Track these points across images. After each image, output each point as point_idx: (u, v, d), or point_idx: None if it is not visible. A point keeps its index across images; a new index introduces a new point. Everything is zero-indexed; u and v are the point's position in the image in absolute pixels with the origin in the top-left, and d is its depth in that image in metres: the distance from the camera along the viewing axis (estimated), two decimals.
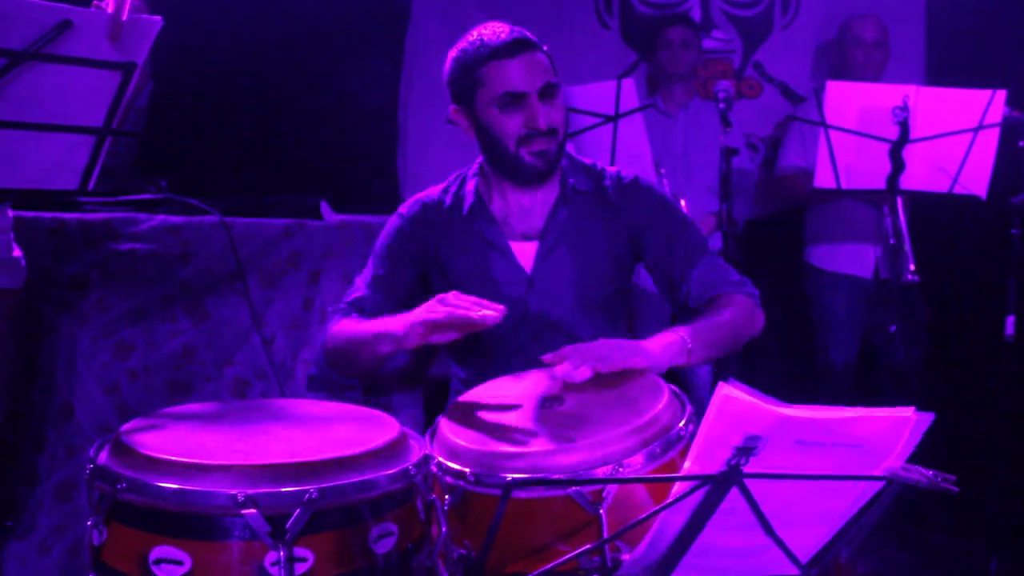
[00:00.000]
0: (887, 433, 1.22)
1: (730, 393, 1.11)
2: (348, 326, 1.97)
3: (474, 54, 1.97)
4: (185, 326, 2.63)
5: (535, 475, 1.48)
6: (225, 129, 3.91)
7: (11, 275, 2.19)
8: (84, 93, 1.60)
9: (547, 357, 1.76)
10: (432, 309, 1.71)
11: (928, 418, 1.22)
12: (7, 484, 2.45)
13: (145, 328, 2.57)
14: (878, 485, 1.29)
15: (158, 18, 1.56)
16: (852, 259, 3.64)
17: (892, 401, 1.28)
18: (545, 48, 2.01)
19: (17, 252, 2.22)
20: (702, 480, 1.19)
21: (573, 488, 1.46)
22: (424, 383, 3.04)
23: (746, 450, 1.16)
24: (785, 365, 4.00)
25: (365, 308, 2.05)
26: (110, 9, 1.51)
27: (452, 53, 2.03)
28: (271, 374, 2.76)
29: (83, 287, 2.49)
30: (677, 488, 1.25)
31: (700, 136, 3.68)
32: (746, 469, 1.20)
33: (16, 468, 2.46)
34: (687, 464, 1.19)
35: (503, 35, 1.96)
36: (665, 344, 1.84)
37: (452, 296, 1.71)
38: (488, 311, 1.66)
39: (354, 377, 1.97)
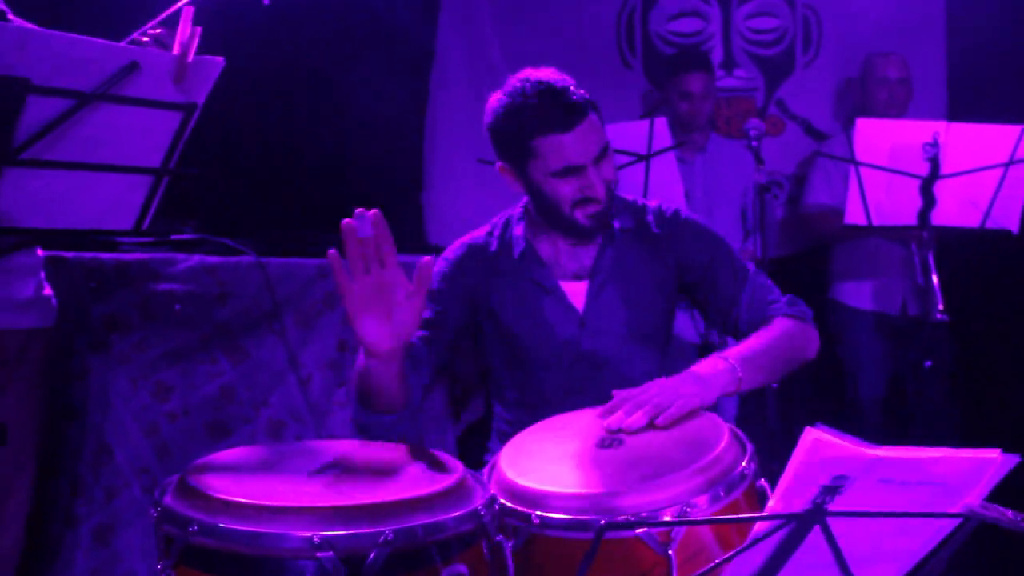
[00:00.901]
0: (971, 472, 1.22)
1: (819, 437, 1.10)
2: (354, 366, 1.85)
3: (526, 122, 1.89)
4: (224, 367, 2.62)
5: (607, 516, 1.46)
6: (249, 169, 3.93)
7: (42, 315, 2.20)
8: (145, 133, 1.62)
9: (599, 411, 1.75)
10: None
11: (1013, 460, 1.22)
12: (45, 526, 2.43)
13: (184, 369, 2.56)
14: (954, 523, 1.28)
15: (220, 59, 1.58)
16: (879, 296, 3.64)
17: (923, 438, 1.28)
18: (593, 102, 1.94)
19: (48, 291, 2.22)
20: (786, 519, 1.17)
21: (643, 530, 1.44)
22: (456, 422, 3.03)
23: (832, 489, 1.15)
24: (812, 402, 3.97)
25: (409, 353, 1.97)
26: (175, 51, 1.52)
27: (497, 107, 1.95)
28: (307, 415, 2.74)
29: (122, 327, 2.49)
30: (757, 527, 1.24)
31: (720, 176, 3.69)
32: (829, 508, 1.19)
33: (53, 510, 2.44)
34: (771, 502, 1.18)
35: (557, 99, 1.87)
36: (715, 373, 1.82)
37: None
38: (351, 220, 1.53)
39: (388, 410, 1.85)
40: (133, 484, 2.50)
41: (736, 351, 1.89)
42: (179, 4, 2.40)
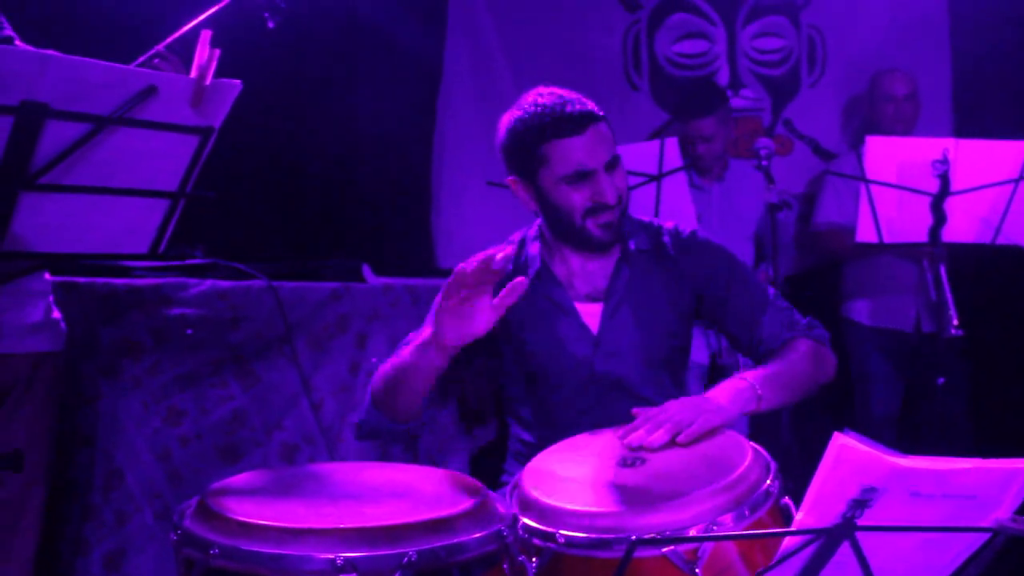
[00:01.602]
0: (999, 484, 1.21)
1: (846, 443, 1.09)
2: (388, 361, 1.92)
3: (536, 128, 1.91)
4: (235, 391, 2.62)
5: (632, 535, 1.45)
6: (259, 194, 3.94)
7: (51, 338, 2.19)
8: (162, 157, 1.61)
9: (620, 431, 1.74)
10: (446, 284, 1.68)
11: None
12: (55, 552, 2.41)
13: (196, 393, 2.56)
14: (983, 537, 1.27)
15: (238, 82, 1.58)
16: (893, 313, 3.63)
17: (939, 455, 1.28)
18: (603, 114, 1.96)
19: (56, 315, 2.22)
20: (816, 534, 1.16)
21: (669, 548, 1.43)
22: (468, 434, 3.01)
23: (862, 503, 1.14)
24: (825, 419, 3.95)
25: None
26: (193, 74, 1.52)
27: (507, 123, 1.97)
28: (319, 439, 2.73)
29: (134, 352, 2.49)
30: (786, 543, 1.22)
31: (735, 200, 3.67)
32: (859, 523, 1.18)
33: (64, 535, 2.43)
34: (799, 516, 1.17)
35: (565, 108, 1.90)
36: (734, 393, 1.82)
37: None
38: (497, 253, 1.62)
39: (401, 416, 1.88)
40: (145, 509, 2.48)
41: (757, 372, 1.89)
42: (187, 27, 2.42)
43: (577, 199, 1.93)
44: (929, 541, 1.25)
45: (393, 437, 1.98)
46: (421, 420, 1.94)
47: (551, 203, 1.97)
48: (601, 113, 1.95)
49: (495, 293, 1.78)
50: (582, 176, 1.91)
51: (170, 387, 2.54)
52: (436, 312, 1.71)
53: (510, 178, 2.03)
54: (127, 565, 2.46)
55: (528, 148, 1.93)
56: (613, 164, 1.94)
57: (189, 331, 2.56)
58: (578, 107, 1.91)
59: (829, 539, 1.19)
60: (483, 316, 1.69)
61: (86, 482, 2.46)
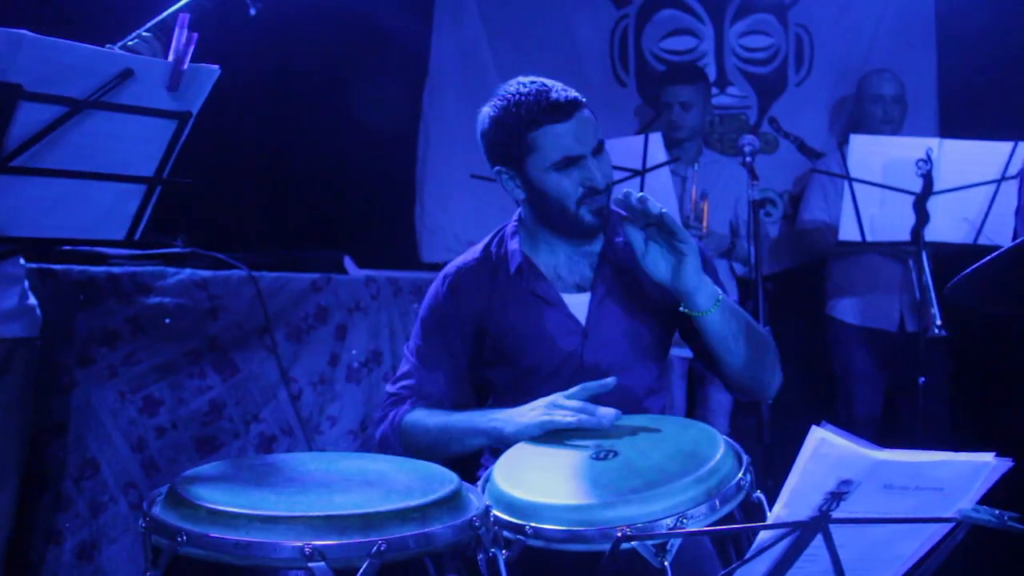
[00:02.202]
0: (968, 476, 1.22)
1: (824, 436, 1.09)
2: (428, 418, 1.95)
3: (522, 117, 1.90)
4: (214, 381, 2.60)
5: (602, 528, 1.44)
6: (241, 184, 3.92)
7: (26, 324, 2.15)
8: (138, 142, 1.60)
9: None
10: (552, 411, 1.78)
11: (1006, 463, 1.23)
12: (27, 542, 2.39)
13: (173, 383, 2.54)
14: (947, 527, 1.28)
15: (216, 67, 1.56)
16: (877, 312, 3.64)
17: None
18: (586, 101, 1.96)
19: (32, 301, 2.18)
20: (791, 527, 1.16)
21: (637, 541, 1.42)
22: None
23: (838, 495, 1.14)
24: (807, 418, 3.95)
25: (426, 391, 2.02)
26: (170, 57, 1.51)
27: (491, 113, 1.96)
28: (298, 430, 2.72)
29: (111, 341, 2.47)
30: (759, 538, 1.22)
31: (710, 188, 3.68)
32: (833, 515, 1.18)
33: (36, 525, 2.40)
34: (778, 509, 1.17)
35: (550, 95, 1.89)
36: (700, 277, 1.81)
37: (567, 401, 1.79)
38: (606, 410, 1.74)
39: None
40: (119, 500, 2.46)
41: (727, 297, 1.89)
42: (170, 10, 2.39)
43: (568, 185, 1.92)
44: (897, 532, 1.26)
45: None
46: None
47: (541, 191, 1.95)
48: (584, 99, 1.95)
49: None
50: (571, 162, 1.91)
51: (147, 376, 2.52)
52: (524, 422, 1.80)
53: (495, 168, 2.00)
54: (99, 556, 2.44)
55: (514, 136, 1.92)
56: (599, 149, 1.95)
57: (167, 320, 2.54)
58: (563, 93, 1.90)
59: (804, 532, 1.19)
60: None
61: (60, 472, 2.43)
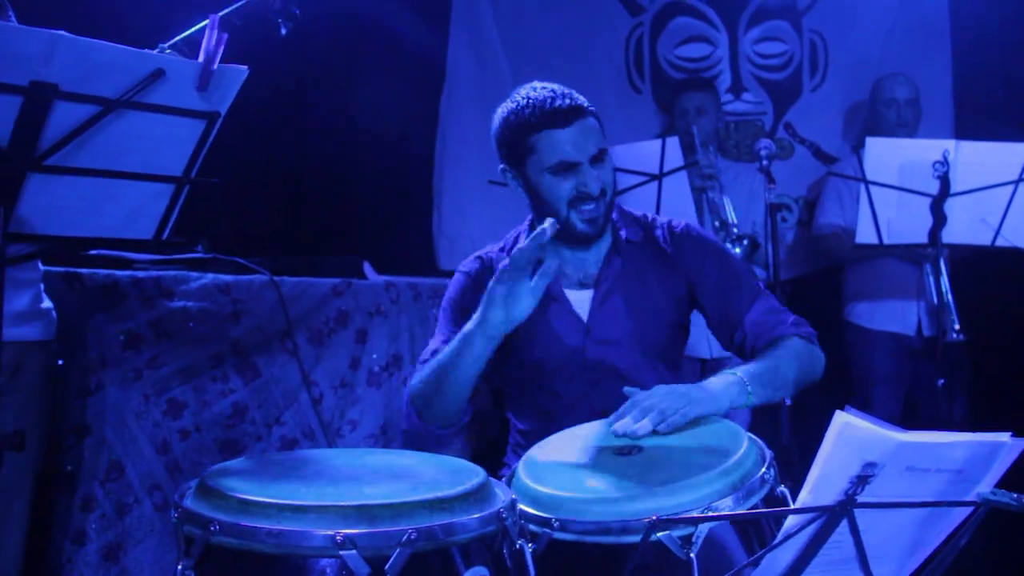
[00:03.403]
0: (986, 457, 1.24)
1: (849, 420, 1.11)
2: (426, 366, 1.97)
3: (526, 120, 1.97)
4: (236, 385, 2.62)
5: (629, 521, 1.45)
6: (260, 192, 3.95)
7: (41, 328, 2.15)
8: (168, 142, 1.62)
9: (614, 422, 1.76)
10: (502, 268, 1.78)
11: (1022, 443, 1.24)
12: (54, 543, 2.41)
13: (196, 387, 2.56)
14: (967, 511, 1.29)
15: (244, 67, 1.59)
16: (895, 317, 3.63)
17: None
18: (594, 110, 2.01)
19: (47, 304, 2.18)
20: (819, 511, 1.17)
21: (665, 532, 1.43)
22: (471, 440, 3.02)
23: (863, 479, 1.15)
24: (826, 422, 3.94)
25: None
26: (200, 58, 1.54)
27: (502, 113, 2.04)
28: (319, 433, 2.73)
29: (136, 344, 2.49)
30: (787, 524, 1.23)
31: (727, 197, 3.69)
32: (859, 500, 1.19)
33: (63, 527, 2.42)
34: (804, 495, 1.18)
35: (555, 101, 1.96)
36: (725, 385, 1.83)
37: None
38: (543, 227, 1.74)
39: (449, 417, 1.96)
40: (144, 501, 2.48)
41: (748, 367, 1.90)
42: (197, 27, 2.42)
43: (563, 190, 1.98)
44: (918, 516, 1.27)
45: (435, 441, 2.05)
46: (463, 419, 2.00)
47: (537, 193, 2.02)
48: (591, 108, 2.00)
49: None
50: (567, 167, 1.96)
51: (171, 380, 2.54)
52: (486, 299, 1.79)
53: (501, 165, 2.08)
54: (125, 557, 2.46)
55: (517, 138, 1.99)
56: (600, 158, 1.99)
57: (191, 324, 2.56)
58: (567, 101, 1.97)
59: (830, 517, 1.20)
60: (525, 301, 1.78)
61: (88, 474, 2.46)
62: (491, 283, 1.79)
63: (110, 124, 1.53)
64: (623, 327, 2.06)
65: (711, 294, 2.09)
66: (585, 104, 1.99)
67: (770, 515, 1.48)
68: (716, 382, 1.84)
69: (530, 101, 1.98)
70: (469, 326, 1.83)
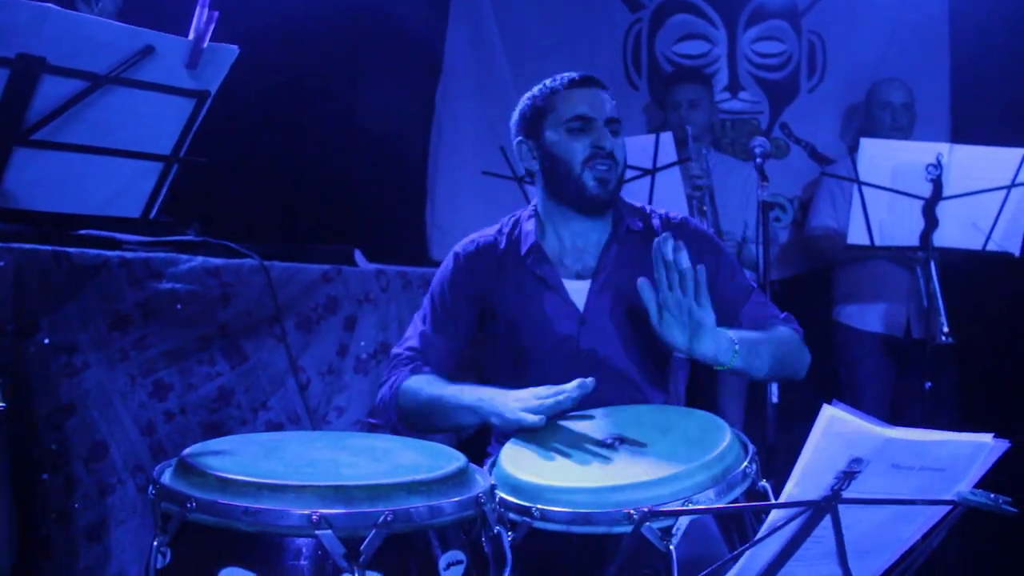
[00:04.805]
0: (968, 457, 1.24)
1: (836, 414, 1.10)
2: (424, 387, 2.00)
3: (548, 88, 2.10)
4: (223, 368, 2.61)
5: (609, 511, 1.45)
6: (253, 178, 3.94)
7: None
8: (156, 120, 1.62)
9: (601, 411, 1.80)
10: (528, 399, 1.79)
11: (1003, 445, 1.25)
12: (38, 523, 2.40)
13: (183, 369, 2.54)
14: (946, 509, 1.29)
15: (235, 47, 1.58)
16: (884, 318, 3.64)
17: None
18: (609, 90, 2.12)
19: None
20: (804, 506, 1.17)
21: (645, 523, 1.43)
22: None
23: (849, 474, 1.15)
24: (811, 422, 3.95)
25: (430, 358, 2.09)
26: (191, 35, 1.53)
27: (526, 98, 2.15)
28: (305, 420, 2.72)
29: (123, 325, 2.48)
30: (772, 517, 1.23)
31: (719, 192, 3.69)
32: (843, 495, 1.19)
33: (47, 507, 2.42)
34: (790, 488, 1.17)
35: (575, 75, 2.10)
36: (717, 336, 1.82)
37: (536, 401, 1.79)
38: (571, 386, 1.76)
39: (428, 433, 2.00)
40: (127, 482, 2.47)
41: (738, 331, 1.89)
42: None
43: (577, 146, 2.03)
44: (898, 513, 1.27)
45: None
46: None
47: (553, 154, 2.06)
48: (606, 84, 2.12)
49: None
50: (584, 121, 2.03)
51: (157, 361, 2.52)
52: (505, 408, 1.81)
53: (516, 139, 2.15)
54: (108, 537, 2.45)
55: (538, 106, 2.09)
56: (615, 127, 2.07)
57: (178, 306, 2.55)
58: (587, 73, 2.11)
59: (815, 512, 1.20)
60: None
61: (70, 453, 2.45)
62: (520, 410, 1.78)
63: (98, 100, 1.53)
64: (617, 318, 2.07)
65: (707, 286, 2.09)
66: (603, 82, 2.12)
67: (756, 508, 1.48)
68: (711, 336, 1.82)
69: (553, 79, 2.11)
70: (476, 402, 1.87)
